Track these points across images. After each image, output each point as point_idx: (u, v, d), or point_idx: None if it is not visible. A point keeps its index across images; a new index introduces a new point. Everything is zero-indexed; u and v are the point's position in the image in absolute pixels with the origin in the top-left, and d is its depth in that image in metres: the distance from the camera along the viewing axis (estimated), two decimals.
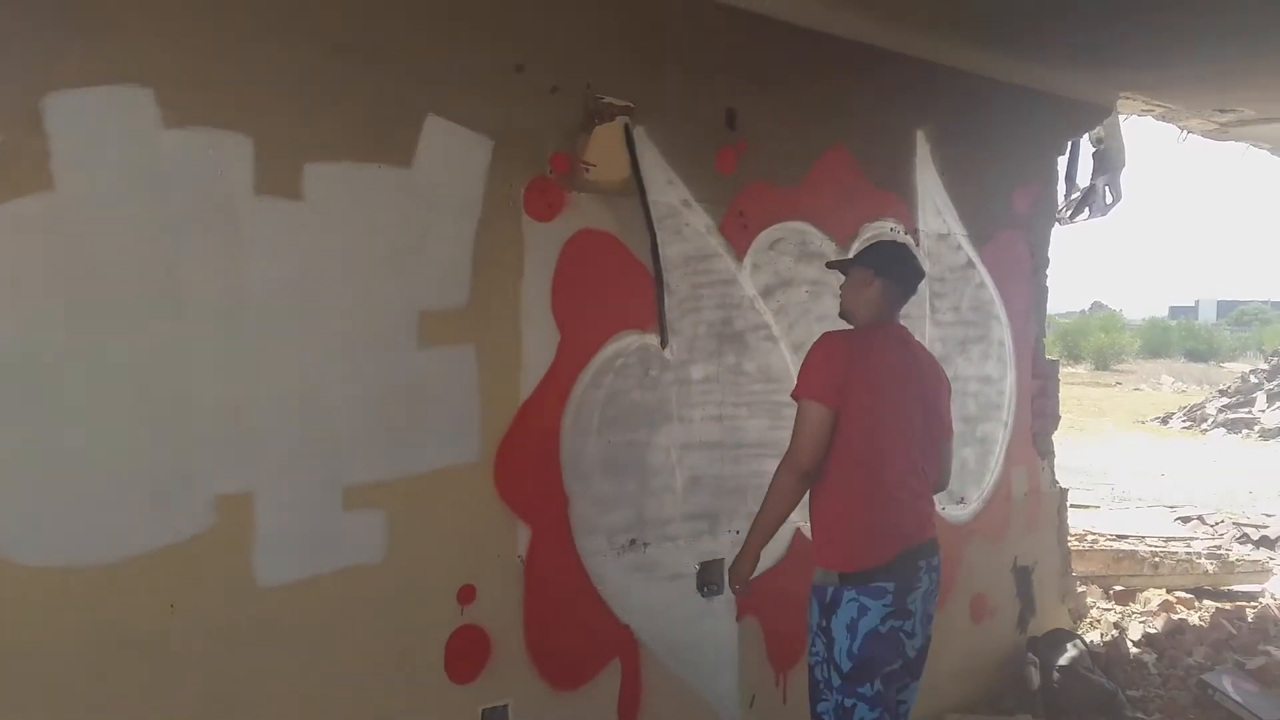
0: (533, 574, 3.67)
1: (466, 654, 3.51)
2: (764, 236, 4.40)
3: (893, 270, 3.55)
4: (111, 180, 2.77)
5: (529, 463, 3.65)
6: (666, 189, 4.02)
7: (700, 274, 4.16)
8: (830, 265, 3.83)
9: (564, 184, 3.70)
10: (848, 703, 3.35)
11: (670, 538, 4.10)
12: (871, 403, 3.35)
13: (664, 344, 4.03)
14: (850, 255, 3.82)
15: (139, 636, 2.85)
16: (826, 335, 3.51)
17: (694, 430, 4.16)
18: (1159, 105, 6.36)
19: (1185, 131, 6.92)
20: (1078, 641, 5.83)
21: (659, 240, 3.97)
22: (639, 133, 3.89)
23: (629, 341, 3.94)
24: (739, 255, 4.30)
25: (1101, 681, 5.54)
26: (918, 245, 5.02)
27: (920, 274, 3.66)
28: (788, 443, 4.44)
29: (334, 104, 3.15)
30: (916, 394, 3.49)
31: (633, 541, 3.97)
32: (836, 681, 3.37)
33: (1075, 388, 25.24)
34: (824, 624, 3.39)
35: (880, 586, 3.33)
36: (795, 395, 3.41)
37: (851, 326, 3.59)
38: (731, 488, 4.29)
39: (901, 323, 3.64)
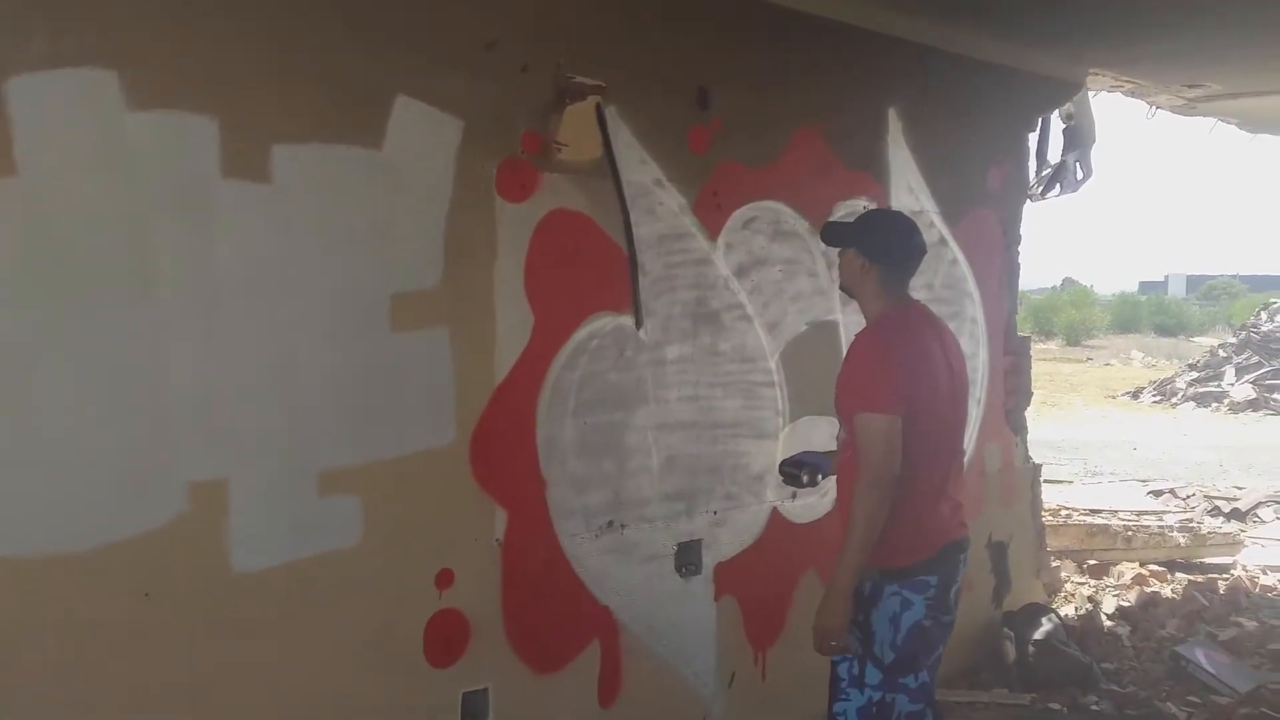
0: (511, 557, 3.66)
1: (446, 638, 3.50)
2: (737, 216, 4.39)
3: (887, 254, 3.34)
4: (76, 164, 2.72)
5: (505, 446, 3.64)
6: (639, 168, 4.00)
7: (674, 254, 4.15)
8: (823, 238, 3.60)
9: (536, 164, 3.67)
10: (888, 697, 3.26)
11: (647, 519, 4.09)
12: (926, 401, 3.23)
13: (639, 325, 4.01)
14: (843, 221, 3.57)
15: (114, 625, 2.82)
16: (869, 339, 3.32)
17: (670, 411, 4.15)
18: (1128, 81, 6.39)
19: (1154, 107, 6.96)
20: (1052, 615, 5.88)
21: (632, 220, 3.95)
22: (611, 112, 3.87)
23: (604, 323, 3.92)
24: (712, 235, 4.29)
25: (1076, 654, 5.59)
26: None
27: (919, 251, 3.43)
28: (762, 422, 4.52)
29: (302, 84, 3.11)
30: (951, 378, 3.38)
31: (610, 523, 3.97)
32: (874, 677, 3.25)
33: (1047, 364, 25.40)
34: (860, 618, 3.24)
35: (924, 580, 3.24)
36: (859, 410, 3.19)
37: (858, 305, 3.44)
38: (708, 467, 4.29)
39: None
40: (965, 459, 5.54)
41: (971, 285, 5.67)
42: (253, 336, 3.05)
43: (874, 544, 3.15)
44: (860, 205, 4.84)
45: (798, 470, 3.66)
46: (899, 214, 3.72)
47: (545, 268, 3.70)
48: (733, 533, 4.41)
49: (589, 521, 3.90)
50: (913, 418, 3.18)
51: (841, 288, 3.55)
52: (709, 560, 4.32)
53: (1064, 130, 6.62)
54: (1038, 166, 6.47)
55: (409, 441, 3.39)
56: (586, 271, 3.87)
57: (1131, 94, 6.67)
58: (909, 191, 5.21)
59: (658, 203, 4.08)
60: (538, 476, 3.74)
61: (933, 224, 5.36)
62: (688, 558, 4.25)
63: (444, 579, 3.48)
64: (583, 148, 3.79)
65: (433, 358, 3.44)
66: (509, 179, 3.60)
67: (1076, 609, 6.70)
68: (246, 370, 3.04)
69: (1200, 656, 5.69)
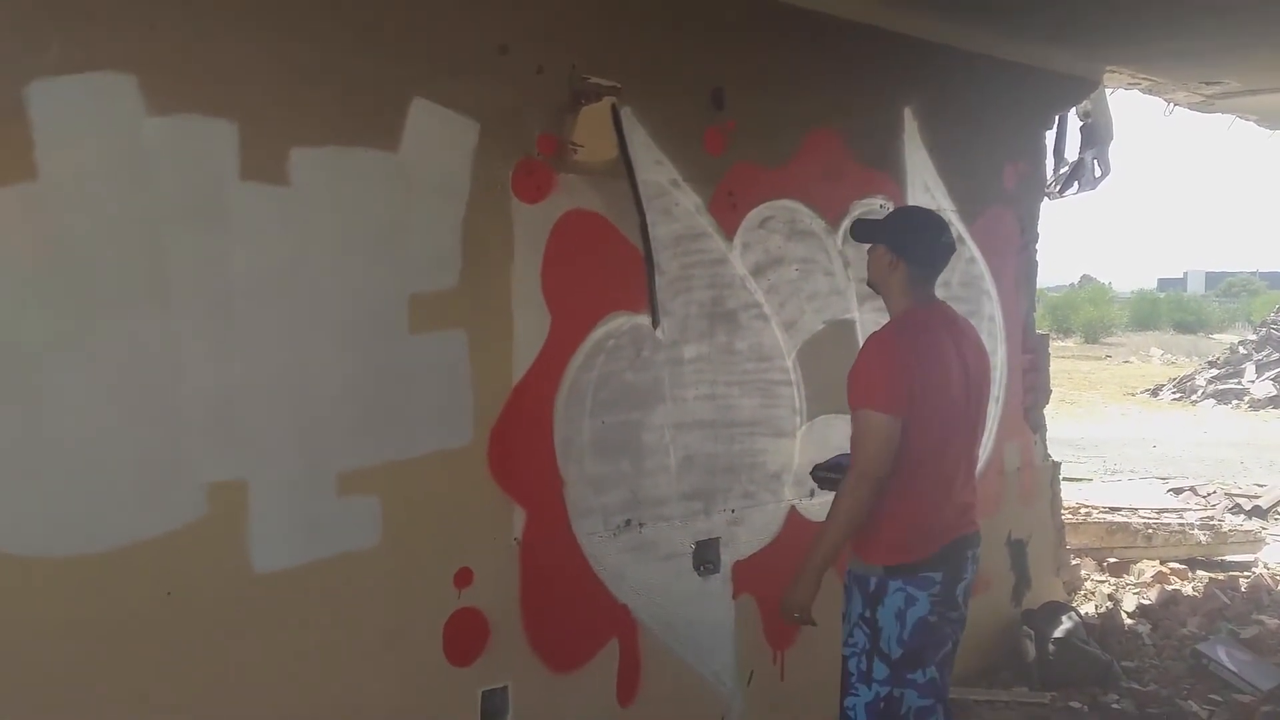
0: (529, 556, 3.67)
1: (465, 637, 3.51)
2: (753, 215, 4.39)
3: (916, 252, 3.36)
4: (96, 168, 2.75)
5: (523, 446, 3.65)
6: (655, 169, 4.01)
7: (690, 254, 4.15)
8: (852, 233, 3.60)
9: (552, 165, 3.68)
10: (896, 692, 3.27)
11: (665, 518, 4.10)
12: (935, 403, 3.23)
13: (655, 324, 4.02)
14: (873, 217, 3.58)
15: (136, 624, 2.84)
16: (881, 338, 3.36)
17: (687, 410, 4.16)
18: (1145, 78, 6.36)
19: (1172, 104, 6.92)
20: (1072, 614, 5.86)
21: (649, 220, 3.96)
22: (626, 113, 3.87)
23: (620, 322, 3.93)
24: (729, 234, 4.30)
25: (1096, 653, 5.57)
26: None
27: (949, 250, 3.45)
28: (779, 420, 4.52)
29: (319, 88, 3.13)
30: (966, 381, 3.37)
31: (628, 522, 3.98)
32: (882, 672, 3.27)
33: (1065, 361, 25.27)
34: (867, 614, 3.28)
35: (928, 577, 3.26)
36: (859, 406, 3.22)
37: (880, 299, 3.46)
38: (725, 466, 4.30)
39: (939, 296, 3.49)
40: (981, 462, 5.57)
41: (989, 283, 5.65)
42: (271, 338, 3.07)
43: (851, 535, 3.25)
44: (877, 204, 4.84)
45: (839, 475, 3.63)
46: (930, 212, 3.72)
47: (562, 268, 3.71)
48: (750, 531, 4.42)
49: (607, 520, 3.91)
50: (918, 419, 3.20)
51: (868, 283, 3.54)
52: (727, 559, 4.32)
53: (1081, 128, 6.60)
54: (1055, 164, 6.45)
55: (427, 442, 3.41)
56: (603, 272, 3.88)
57: (1149, 91, 6.64)
58: (925, 190, 5.21)
59: (674, 203, 4.09)
60: (556, 476, 3.76)
61: (950, 222, 5.35)
62: (706, 556, 4.26)
63: (463, 578, 3.49)
64: (598, 149, 3.80)
65: (450, 358, 3.46)
66: (525, 180, 3.61)
67: (1096, 607, 6.67)
68: (265, 372, 3.06)
69: (1222, 654, 5.66)
